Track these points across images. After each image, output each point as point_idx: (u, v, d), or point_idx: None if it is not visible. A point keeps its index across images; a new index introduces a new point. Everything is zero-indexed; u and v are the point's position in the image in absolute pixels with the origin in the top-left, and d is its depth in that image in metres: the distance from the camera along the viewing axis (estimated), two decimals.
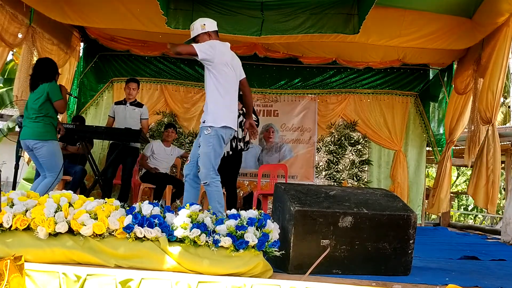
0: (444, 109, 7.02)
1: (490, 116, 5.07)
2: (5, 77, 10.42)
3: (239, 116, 4.62)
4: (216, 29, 3.76)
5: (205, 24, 3.69)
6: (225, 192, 4.96)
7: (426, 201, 7.11)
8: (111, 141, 5.70)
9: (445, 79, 7.02)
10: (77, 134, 5.30)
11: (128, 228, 2.50)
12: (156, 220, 2.52)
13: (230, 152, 4.72)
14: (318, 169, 7.13)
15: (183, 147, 6.89)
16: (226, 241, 2.44)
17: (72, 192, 2.79)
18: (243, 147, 4.85)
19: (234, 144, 4.72)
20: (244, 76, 3.86)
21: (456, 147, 7.23)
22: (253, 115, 4.67)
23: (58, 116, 4.52)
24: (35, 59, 5.97)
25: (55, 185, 4.32)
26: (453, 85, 6.60)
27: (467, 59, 6.15)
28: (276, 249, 2.51)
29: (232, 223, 2.51)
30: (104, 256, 2.47)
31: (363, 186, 6.96)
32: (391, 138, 7.10)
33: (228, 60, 3.63)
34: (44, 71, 4.33)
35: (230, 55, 3.70)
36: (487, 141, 5.15)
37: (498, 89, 4.92)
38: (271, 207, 5.70)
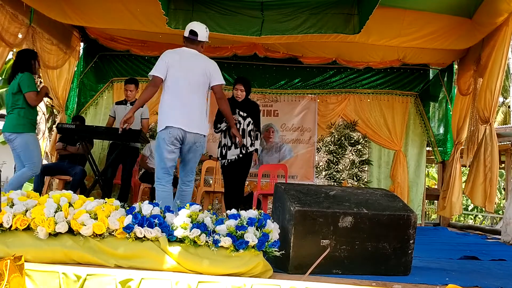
0: (444, 109, 7.03)
1: (488, 115, 5.08)
2: (3, 77, 10.40)
3: (248, 125, 4.73)
4: (187, 35, 3.74)
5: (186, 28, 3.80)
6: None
7: (427, 201, 7.10)
8: (111, 141, 5.70)
9: (445, 79, 7.02)
10: (77, 134, 5.30)
11: (128, 228, 2.50)
12: (156, 220, 2.52)
13: (240, 155, 4.78)
14: (318, 169, 7.13)
15: None
16: (226, 241, 2.44)
17: (72, 192, 2.79)
18: (249, 150, 4.90)
19: (243, 149, 4.80)
20: (217, 83, 3.72)
21: None
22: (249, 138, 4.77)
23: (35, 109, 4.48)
24: None
25: (27, 177, 4.28)
26: (456, 86, 6.59)
27: (468, 60, 6.15)
28: (276, 249, 2.51)
29: (232, 223, 2.51)
30: (104, 256, 2.47)
31: (363, 186, 6.96)
32: (391, 138, 7.10)
33: (174, 62, 3.63)
34: (19, 62, 4.33)
35: (177, 58, 3.66)
36: (484, 140, 5.15)
37: (496, 89, 4.92)
38: (271, 207, 5.70)
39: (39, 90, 4.41)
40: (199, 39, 3.73)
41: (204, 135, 3.72)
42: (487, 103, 5.03)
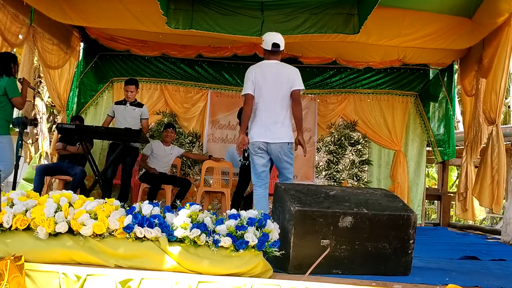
0: (444, 109, 7.03)
1: (494, 116, 5.06)
2: None
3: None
4: (269, 48, 3.90)
5: (264, 40, 3.96)
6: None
7: (426, 201, 7.08)
8: (110, 141, 5.70)
9: (445, 79, 7.02)
10: (77, 134, 5.30)
11: (128, 228, 2.50)
12: (156, 220, 2.52)
13: None
14: (318, 169, 7.13)
15: (183, 147, 6.89)
16: (226, 241, 2.44)
17: (72, 192, 2.79)
18: None
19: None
20: (297, 88, 3.92)
21: (457, 147, 7.22)
22: None
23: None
24: (36, 59, 5.98)
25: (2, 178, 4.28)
26: (458, 86, 6.57)
27: (469, 60, 6.15)
28: (276, 249, 2.51)
29: (232, 223, 2.51)
30: (104, 256, 2.47)
31: (363, 186, 6.95)
32: (391, 138, 7.09)
33: (259, 78, 3.86)
34: (1, 64, 4.30)
35: (261, 73, 3.88)
36: (491, 141, 5.13)
37: (501, 90, 4.92)
38: (271, 207, 5.69)
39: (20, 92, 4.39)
40: (281, 49, 3.94)
41: (289, 142, 3.92)
42: (493, 104, 5.02)
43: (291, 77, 3.91)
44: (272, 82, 3.87)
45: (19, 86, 4.40)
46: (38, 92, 5.93)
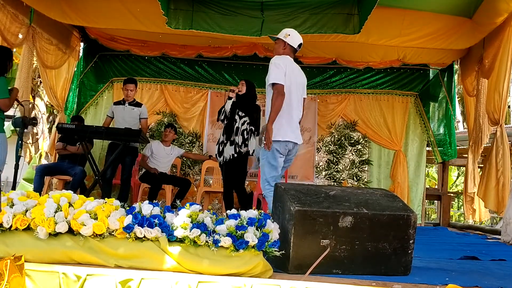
0: (444, 109, 7.02)
1: (498, 117, 5.05)
2: None
3: (243, 124, 4.96)
4: (295, 46, 3.96)
5: (289, 35, 3.96)
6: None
7: (427, 201, 7.07)
8: (109, 141, 5.70)
9: (445, 79, 7.02)
10: (77, 134, 5.31)
11: (128, 228, 2.50)
12: (156, 220, 2.52)
13: (235, 155, 4.95)
14: (318, 169, 7.13)
15: (183, 147, 6.89)
16: (226, 241, 2.44)
17: (72, 192, 2.79)
18: (243, 151, 5.00)
19: (237, 149, 4.92)
20: (305, 96, 4.06)
21: (457, 147, 7.22)
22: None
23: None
24: (35, 59, 5.98)
25: None
26: (459, 87, 6.56)
27: (470, 60, 6.15)
28: (276, 249, 2.51)
29: (232, 223, 2.51)
30: (104, 256, 2.47)
31: (363, 186, 6.95)
32: (391, 138, 7.10)
33: (288, 73, 3.83)
34: None
35: (290, 69, 3.88)
36: (495, 142, 5.11)
37: (504, 90, 4.91)
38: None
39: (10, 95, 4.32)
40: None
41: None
42: (496, 104, 5.01)
43: (304, 84, 4.04)
44: (298, 81, 3.92)
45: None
46: (22, 105, 5.82)
